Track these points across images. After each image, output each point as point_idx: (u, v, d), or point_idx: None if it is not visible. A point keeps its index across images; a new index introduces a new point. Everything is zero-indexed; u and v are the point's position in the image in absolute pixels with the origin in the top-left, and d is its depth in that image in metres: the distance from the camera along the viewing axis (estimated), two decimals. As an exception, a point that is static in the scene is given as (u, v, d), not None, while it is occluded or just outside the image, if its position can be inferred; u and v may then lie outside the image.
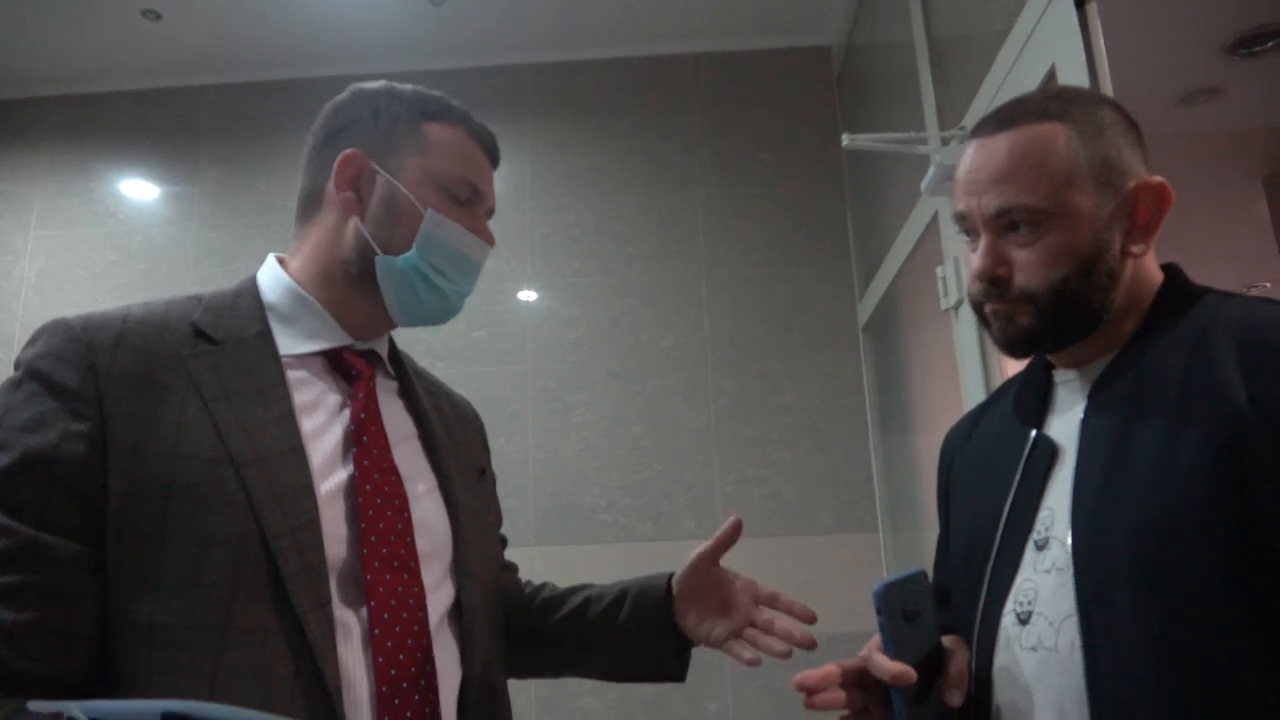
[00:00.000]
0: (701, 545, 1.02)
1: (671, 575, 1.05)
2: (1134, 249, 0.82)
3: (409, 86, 0.98)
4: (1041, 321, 0.81)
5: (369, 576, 0.82)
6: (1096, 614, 0.73)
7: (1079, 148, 0.81)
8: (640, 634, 1.04)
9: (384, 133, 0.94)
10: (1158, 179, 0.82)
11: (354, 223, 0.93)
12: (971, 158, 0.85)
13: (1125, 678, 0.70)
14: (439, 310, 0.96)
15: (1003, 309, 0.83)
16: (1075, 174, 0.80)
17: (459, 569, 0.92)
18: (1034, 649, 0.78)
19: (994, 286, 0.83)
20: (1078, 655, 0.74)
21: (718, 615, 1.01)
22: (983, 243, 0.83)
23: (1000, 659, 0.82)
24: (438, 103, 0.97)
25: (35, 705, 0.51)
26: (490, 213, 1.01)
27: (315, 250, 0.95)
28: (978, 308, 0.87)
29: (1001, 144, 0.82)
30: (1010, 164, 0.81)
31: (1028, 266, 0.81)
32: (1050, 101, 0.84)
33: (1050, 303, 0.80)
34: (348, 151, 0.93)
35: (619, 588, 1.08)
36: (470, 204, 0.96)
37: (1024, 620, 0.80)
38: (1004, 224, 0.82)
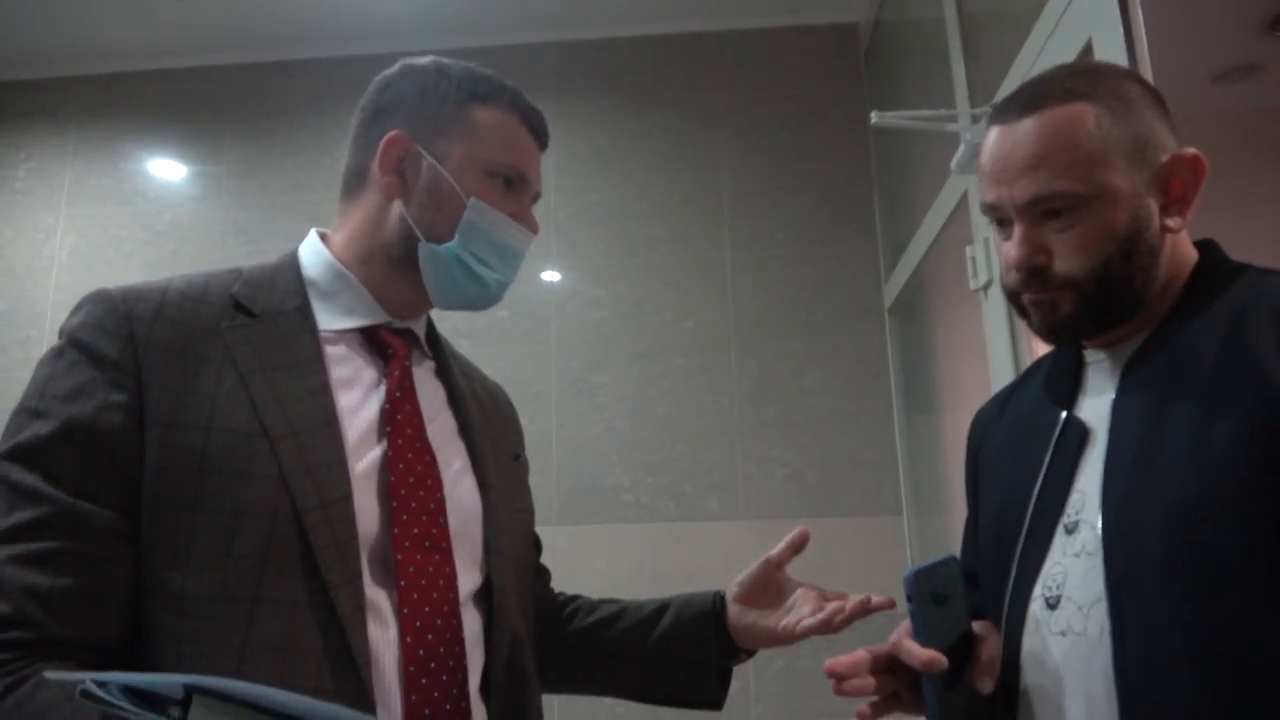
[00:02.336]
0: (770, 551, 0.99)
1: (720, 592, 1.02)
2: (1171, 223, 0.80)
3: (459, 64, 0.96)
4: (1085, 307, 0.79)
5: (399, 556, 0.82)
6: (1126, 598, 0.72)
7: (1110, 126, 0.78)
8: (679, 645, 1.00)
9: (430, 113, 0.93)
10: (1191, 150, 0.80)
11: (397, 206, 0.92)
12: (997, 144, 0.82)
13: (1154, 663, 0.69)
14: (479, 298, 0.95)
15: (1044, 298, 0.81)
16: (1108, 153, 0.78)
17: (488, 548, 0.92)
18: (1063, 634, 0.77)
19: (1033, 275, 0.81)
20: (1106, 640, 0.73)
21: (783, 613, 0.96)
22: (1018, 232, 0.81)
23: (1028, 643, 0.81)
24: (488, 83, 0.95)
25: (52, 675, 0.52)
26: (536, 198, 0.99)
27: (357, 229, 0.95)
28: (1014, 297, 0.85)
29: (1029, 128, 0.80)
30: (1041, 149, 0.79)
31: (1068, 253, 0.79)
32: (1074, 79, 0.81)
33: (1094, 288, 0.78)
34: (393, 134, 0.92)
35: (662, 600, 1.04)
36: (515, 190, 0.95)
37: (1053, 605, 0.79)
38: (1039, 211, 0.80)
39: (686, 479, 2.72)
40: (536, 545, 1.11)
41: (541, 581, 1.12)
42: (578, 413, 2.80)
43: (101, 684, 0.47)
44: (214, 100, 3.16)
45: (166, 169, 3.12)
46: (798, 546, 0.99)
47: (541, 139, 0.98)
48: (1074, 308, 0.80)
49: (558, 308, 2.90)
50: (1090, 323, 0.81)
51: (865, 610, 0.90)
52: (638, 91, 3.05)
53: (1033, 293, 0.82)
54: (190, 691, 0.47)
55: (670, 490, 2.72)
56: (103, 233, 3.07)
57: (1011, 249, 0.82)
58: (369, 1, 2.92)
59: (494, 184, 0.93)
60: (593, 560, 2.67)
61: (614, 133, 3.02)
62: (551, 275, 2.93)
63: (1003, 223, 0.84)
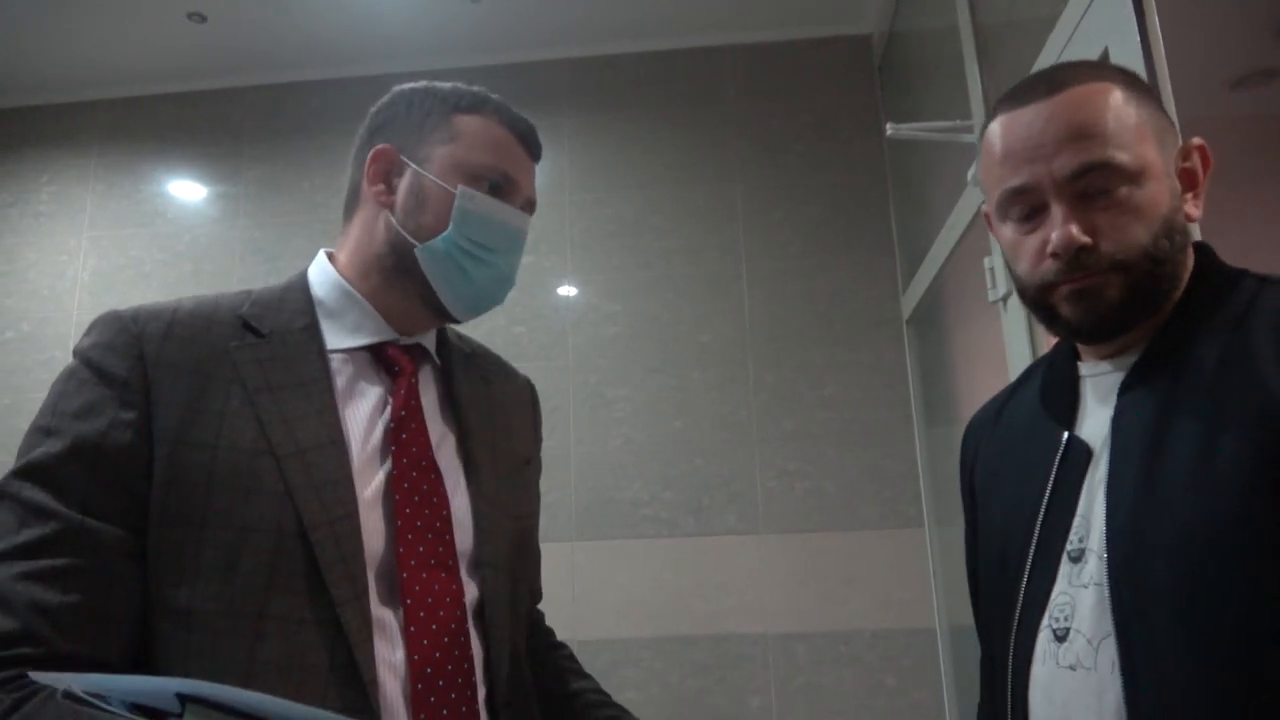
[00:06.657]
0: None
1: None
2: (1192, 211, 0.78)
3: (448, 84, 0.98)
4: (1132, 292, 0.74)
5: (404, 574, 0.82)
6: (1135, 634, 0.70)
7: (1136, 105, 0.76)
8: None
9: (416, 125, 0.95)
10: (1198, 140, 0.79)
11: (385, 216, 0.94)
12: (1025, 124, 0.77)
13: (1166, 701, 0.67)
14: (490, 282, 0.95)
15: (1091, 284, 0.75)
16: (1142, 128, 0.75)
17: (479, 560, 0.90)
18: (1072, 668, 0.75)
19: (1079, 259, 0.74)
20: (1117, 676, 0.70)
21: None
22: (1059, 212, 0.75)
23: (1037, 674, 0.78)
24: (472, 95, 0.96)
25: (37, 676, 0.51)
26: (529, 206, 0.99)
27: (355, 245, 0.96)
28: (1048, 290, 0.77)
29: (1064, 103, 0.75)
30: (1083, 119, 0.74)
31: (1115, 231, 0.73)
32: (1087, 67, 0.80)
33: (1145, 268, 0.73)
34: (378, 147, 0.94)
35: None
36: (504, 191, 0.95)
37: (1061, 637, 0.76)
38: (1081, 187, 0.74)
39: (705, 493, 2.71)
40: (536, 558, 1.08)
41: (532, 601, 1.09)
42: (595, 427, 2.80)
43: (100, 695, 0.47)
44: (231, 122, 3.19)
45: (186, 190, 3.16)
46: None
47: (530, 145, 0.98)
48: (1120, 293, 0.74)
49: (574, 323, 2.90)
50: (1135, 311, 0.75)
51: None
52: (650, 106, 3.06)
53: (1078, 280, 0.75)
54: (183, 699, 0.46)
55: (688, 504, 2.71)
56: (123, 254, 3.11)
57: (1051, 232, 0.75)
58: (382, 22, 2.95)
59: (479, 188, 0.93)
60: (612, 575, 2.66)
61: (627, 147, 3.03)
62: (568, 290, 2.94)
63: (1029, 211, 0.78)
